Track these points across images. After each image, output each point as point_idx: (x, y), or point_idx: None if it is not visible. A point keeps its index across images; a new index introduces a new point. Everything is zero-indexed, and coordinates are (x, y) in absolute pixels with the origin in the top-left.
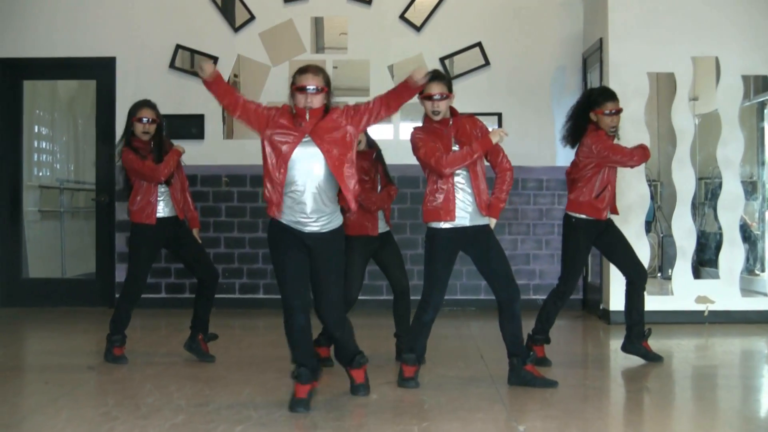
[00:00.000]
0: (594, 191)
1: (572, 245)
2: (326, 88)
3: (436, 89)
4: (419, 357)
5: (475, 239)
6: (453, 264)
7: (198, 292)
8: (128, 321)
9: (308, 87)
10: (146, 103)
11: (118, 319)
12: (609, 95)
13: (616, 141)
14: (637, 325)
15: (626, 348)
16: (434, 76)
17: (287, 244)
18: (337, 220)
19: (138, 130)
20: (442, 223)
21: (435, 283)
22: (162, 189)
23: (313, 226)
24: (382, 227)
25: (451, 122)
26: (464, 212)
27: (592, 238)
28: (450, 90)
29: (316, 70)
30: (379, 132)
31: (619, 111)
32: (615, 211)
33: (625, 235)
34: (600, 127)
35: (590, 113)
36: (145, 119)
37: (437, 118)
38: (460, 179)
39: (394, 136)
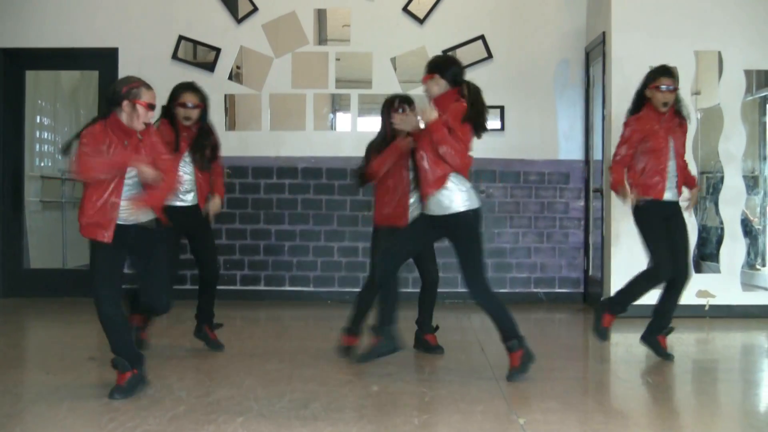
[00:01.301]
0: (637, 171)
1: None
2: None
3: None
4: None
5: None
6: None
7: (200, 288)
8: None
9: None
10: (189, 87)
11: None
12: (666, 72)
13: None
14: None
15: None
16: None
17: None
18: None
19: (180, 114)
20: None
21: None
22: (187, 176)
23: None
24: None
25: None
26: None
27: (660, 218)
28: (432, 71)
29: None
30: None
31: (675, 88)
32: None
33: (686, 230)
34: (653, 103)
35: (646, 92)
36: (189, 104)
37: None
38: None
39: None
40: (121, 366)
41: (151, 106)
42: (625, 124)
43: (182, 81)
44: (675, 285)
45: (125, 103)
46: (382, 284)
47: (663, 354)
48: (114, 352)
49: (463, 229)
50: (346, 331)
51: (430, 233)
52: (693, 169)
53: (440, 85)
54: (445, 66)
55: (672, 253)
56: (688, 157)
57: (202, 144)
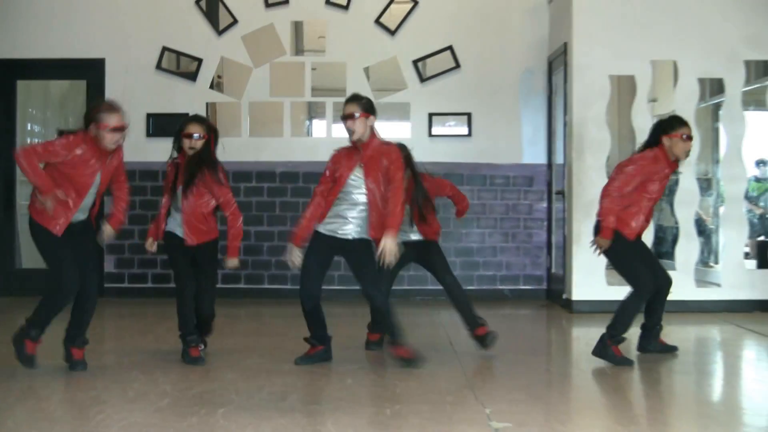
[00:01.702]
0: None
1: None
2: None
3: (348, 109)
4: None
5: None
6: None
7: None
8: (192, 319)
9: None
10: (195, 118)
11: (181, 319)
12: (684, 121)
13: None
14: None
15: (643, 347)
16: (349, 98)
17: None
18: None
19: (185, 146)
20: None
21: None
22: (176, 211)
23: None
24: (415, 236)
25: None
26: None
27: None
28: (367, 111)
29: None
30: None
31: (691, 137)
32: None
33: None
34: (673, 151)
35: (663, 137)
36: (195, 135)
37: (351, 138)
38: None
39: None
40: (36, 336)
41: (116, 129)
42: (635, 161)
43: (163, 90)
44: (661, 292)
45: (92, 125)
46: (311, 307)
47: (669, 348)
48: (40, 327)
49: (363, 251)
50: (472, 326)
51: (332, 253)
52: None
53: (368, 126)
54: (372, 106)
55: (650, 269)
56: None
57: (189, 172)
